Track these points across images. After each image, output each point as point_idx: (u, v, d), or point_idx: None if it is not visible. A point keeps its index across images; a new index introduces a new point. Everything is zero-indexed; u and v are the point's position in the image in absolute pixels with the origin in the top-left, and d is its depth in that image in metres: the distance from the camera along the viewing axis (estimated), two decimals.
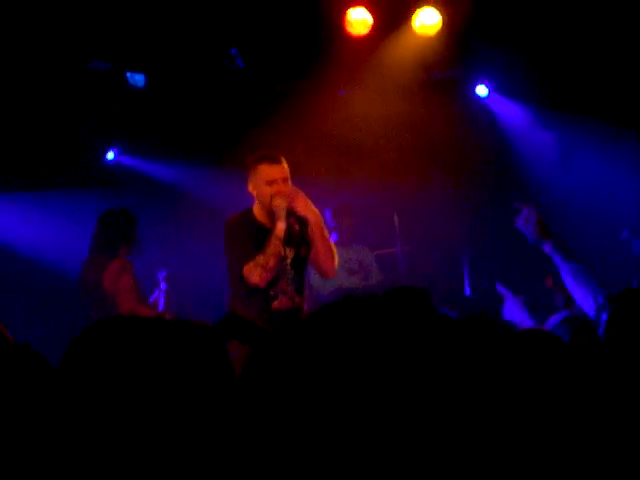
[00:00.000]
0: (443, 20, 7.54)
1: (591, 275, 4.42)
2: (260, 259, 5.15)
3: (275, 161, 5.30)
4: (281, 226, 5.17)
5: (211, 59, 7.83)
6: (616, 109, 8.01)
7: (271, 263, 5.16)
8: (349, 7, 7.50)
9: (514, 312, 4.98)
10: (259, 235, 5.25)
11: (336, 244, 7.12)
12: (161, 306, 6.98)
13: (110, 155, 8.78)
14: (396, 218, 8.02)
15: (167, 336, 1.93)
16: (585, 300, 4.38)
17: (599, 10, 7.34)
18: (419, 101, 8.10)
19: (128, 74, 7.88)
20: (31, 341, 2.45)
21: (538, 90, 8.23)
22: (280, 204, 5.20)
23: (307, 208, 5.34)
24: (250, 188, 5.36)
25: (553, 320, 4.33)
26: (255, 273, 5.16)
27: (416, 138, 8.22)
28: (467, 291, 7.61)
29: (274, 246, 5.17)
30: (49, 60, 7.35)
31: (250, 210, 5.40)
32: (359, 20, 7.54)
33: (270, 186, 5.24)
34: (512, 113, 8.73)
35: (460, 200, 8.54)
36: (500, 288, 4.94)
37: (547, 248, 4.52)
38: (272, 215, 5.23)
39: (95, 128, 8.15)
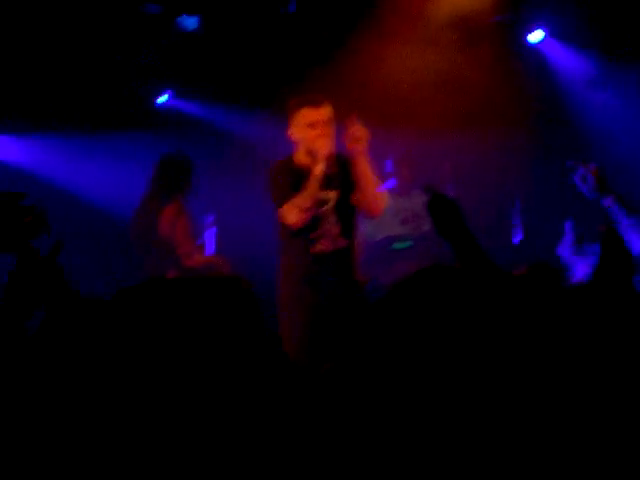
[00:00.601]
0: None
1: None
2: (297, 200, 5.18)
3: (318, 103, 5.27)
4: (320, 167, 5.15)
5: (264, 2, 7.79)
6: None
7: (308, 204, 5.18)
8: None
9: (566, 247, 4.97)
10: (299, 179, 5.24)
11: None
12: (211, 249, 7.03)
13: (162, 98, 8.80)
14: (448, 166, 7.98)
15: (200, 297, 1.96)
16: None
17: None
18: (470, 50, 7.99)
19: (179, 18, 7.87)
20: (82, 284, 2.49)
21: (599, 37, 8.04)
22: (321, 145, 5.19)
23: (355, 146, 5.25)
24: (292, 132, 5.34)
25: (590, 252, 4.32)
26: (292, 213, 5.19)
27: (467, 89, 8.12)
28: (516, 239, 7.56)
29: (311, 187, 5.16)
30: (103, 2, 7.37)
31: (291, 156, 5.39)
32: None
33: (312, 128, 5.22)
34: (569, 61, 8.54)
35: (513, 152, 8.45)
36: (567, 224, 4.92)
37: (606, 202, 4.51)
38: (313, 157, 5.22)
39: (147, 71, 8.17)
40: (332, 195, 5.34)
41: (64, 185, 8.56)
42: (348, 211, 5.42)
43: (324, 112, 5.26)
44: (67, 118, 8.18)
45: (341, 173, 5.36)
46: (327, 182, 5.26)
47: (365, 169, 5.31)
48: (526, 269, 3.53)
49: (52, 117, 8.14)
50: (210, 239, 7.03)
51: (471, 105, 8.10)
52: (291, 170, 5.32)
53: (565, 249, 4.82)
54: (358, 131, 5.19)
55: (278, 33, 8.08)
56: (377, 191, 5.46)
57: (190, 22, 7.95)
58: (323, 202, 5.28)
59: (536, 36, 8.42)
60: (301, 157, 5.34)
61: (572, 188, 4.91)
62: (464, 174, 8.17)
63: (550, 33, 8.37)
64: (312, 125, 5.22)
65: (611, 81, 8.29)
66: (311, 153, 5.23)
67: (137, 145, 8.15)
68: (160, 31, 7.85)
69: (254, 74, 8.40)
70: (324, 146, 5.19)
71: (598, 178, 4.50)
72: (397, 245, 7.49)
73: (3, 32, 7.30)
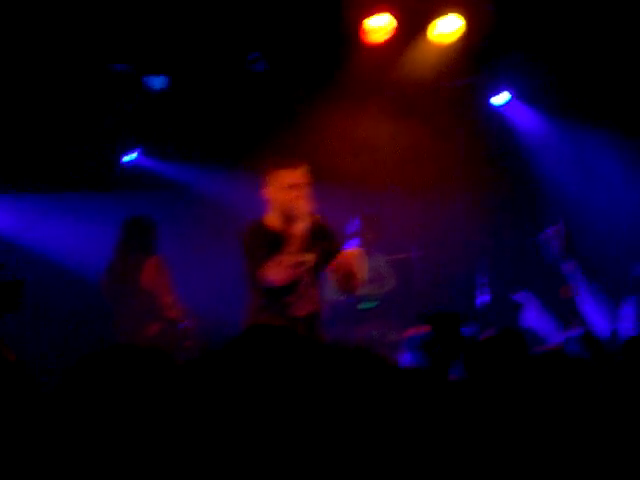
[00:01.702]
0: (462, 28, 7.54)
1: (609, 295, 4.46)
2: (278, 258, 5.17)
3: (296, 165, 5.32)
4: (301, 227, 5.19)
5: (232, 62, 7.84)
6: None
7: (291, 262, 5.18)
8: (368, 15, 7.51)
9: (534, 318, 5.00)
10: (273, 241, 5.24)
11: None
12: None
13: (130, 157, 8.82)
14: (414, 227, 8.06)
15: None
16: (601, 319, 4.42)
17: (623, 17, 7.31)
18: (437, 111, 8.10)
19: (146, 77, 7.92)
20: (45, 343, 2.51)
21: (559, 99, 8.19)
22: (301, 206, 5.21)
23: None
24: (267, 193, 5.34)
25: (569, 335, 4.35)
26: (273, 271, 5.16)
27: (434, 148, 8.21)
28: (479, 301, 7.56)
29: (295, 246, 5.19)
30: (69, 63, 7.39)
31: (261, 219, 5.38)
32: (377, 28, 7.55)
33: (290, 190, 5.24)
34: (532, 122, 8.67)
35: (477, 210, 8.53)
36: (521, 295, 4.96)
37: (568, 266, 4.55)
38: (289, 219, 5.23)
39: (114, 130, 8.19)
40: (310, 257, 5.35)
41: (28, 244, 8.51)
42: (320, 274, 5.45)
43: (302, 174, 5.29)
44: (33, 177, 8.17)
45: (317, 236, 5.37)
46: (305, 244, 5.27)
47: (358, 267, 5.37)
48: (494, 334, 3.57)
49: (16, 176, 8.11)
50: None
51: (438, 168, 8.19)
52: (265, 232, 5.31)
53: (532, 320, 4.87)
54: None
55: (247, 92, 8.14)
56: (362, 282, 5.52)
57: (158, 81, 7.98)
58: (301, 263, 5.29)
59: (501, 98, 8.54)
60: (273, 219, 5.34)
61: (534, 251, 4.98)
62: (430, 235, 8.24)
63: (514, 96, 8.50)
64: (291, 187, 5.24)
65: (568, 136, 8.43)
66: (289, 214, 5.25)
67: (103, 204, 8.17)
68: (128, 90, 7.88)
69: (223, 133, 8.45)
70: (304, 207, 5.22)
71: (565, 239, 4.54)
72: (363, 305, 7.52)
73: None
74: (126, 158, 8.81)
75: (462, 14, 7.51)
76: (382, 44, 7.63)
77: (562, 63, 7.79)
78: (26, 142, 7.91)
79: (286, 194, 5.24)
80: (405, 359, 5.22)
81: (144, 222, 7.07)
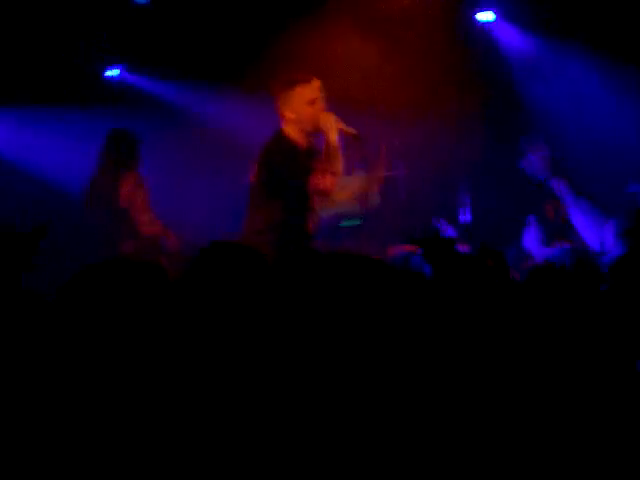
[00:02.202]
0: None
1: (598, 211, 4.53)
2: (327, 166, 5.32)
3: (309, 80, 5.38)
4: (335, 136, 5.33)
5: None
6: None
7: (339, 168, 5.36)
8: None
9: (532, 240, 5.07)
10: (300, 156, 5.36)
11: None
12: None
13: (113, 72, 8.75)
14: (397, 144, 8.03)
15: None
16: (591, 234, 4.50)
17: None
18: (420, 28, 8.06)
19: None
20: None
21: (545, 19, 8.14)
22: (330, 119, 5.34)
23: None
24: (287, 110, 5.36)
25: (557, 249, 4.41)
26: (327, 179, 5.32)
27: (417, 67, 8.18)
28: (462, 219, 7.62)
29: (337, 154, 5.35)
30: None
31: (282, 134, 5.41)
32: None
33: (312, 105, 5.32)
34: (517, 42, 8.62)
35: (463, 130, 8.53)
36: (530, 218, 5.01)
37: (556, 184, 4.61)
38: (310, 134, 5.39)
39: (98, 45, 8.12)
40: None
41: (11, 157, 8.49)
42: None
43: (317, 87, 5.38)
44: (17, 90, 8.11)
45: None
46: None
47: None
48: (475, 251, 3.62)
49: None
50: None
51: (422, 87, 8.17)
52: (292, 147, 5.37)
53: (531, 242, 4.92)
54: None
55: (234, 8, 8.07)
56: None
57: None
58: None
59: (486, 16, 8.48)
60: (295, 134, 5.39)
61: (520, 170, 5.01)
62: (414, 153, 8.24)
63: (499, 14, 8.45)
64: (311, 102, 5.33)
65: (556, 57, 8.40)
66: (314, 129, 5.37)
67: (86, 118, 8.11)
68: (112, 3, 7.81)
69: (208, 49, 8.38)
70: (330, 118, 5.34)
71: (548, 159, 4.59)
72: (346, 223, 7.54)
73: None
74: (109, 72, 8.76)
75: None
76: None
77: None
78: (8, 54, 7.84)
79: (309, 109, 5.33)
80: None
81: (127, 136, 6.96)
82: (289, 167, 5.32)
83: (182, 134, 8.50)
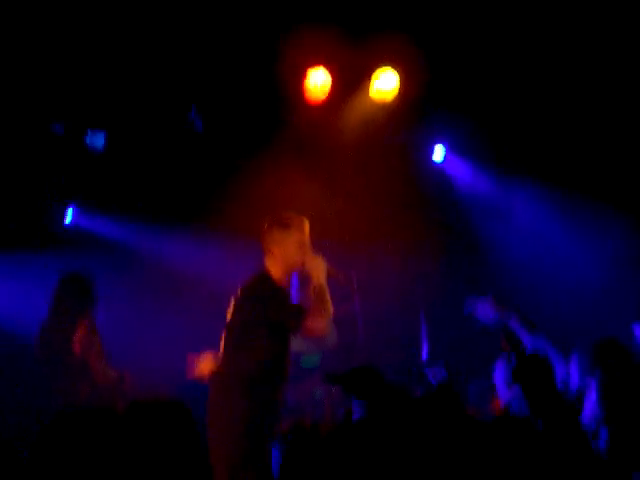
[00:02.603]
0: (400, 85, 7.68)
1: (551, 344, 4.56)
2: (319, 307, 5.20)
3: (303, 222, 5.38)
4: (324, 279, 5.28)
5: (171, 122, 7.87)
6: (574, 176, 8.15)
7: (330, 310, 5.24)
8: (309, 72, 7.61)
9: (500, 378, 5.06)
10: (289, 296, 5.32)
11: None
12: None
13: (69, 217, 8.77)
14: (354, 278, 8.06)
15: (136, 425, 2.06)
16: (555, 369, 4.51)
17: (547, 75, 7.51)
18: (376, 166, 8.20)
19: (87, 137, 7.91)
20: None
21: (491, 152, 8.35)
22: (319, 262, 5.32)
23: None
24: (275, 249, 5.31)
25: (516, 393, 4.39)
26: (322, 323, 5.18)
27: (375, 202, 8.29)
28: (424, 355, 7.61)
29: (326, 295, 5.26)
30: (9, 123, 7.38)
31: (266, 274, 5.33)
32: (318, 85, 7.66)
33: (302, 247, 5.31)
34: (466, 175, 8.80)
35: (418, 263, 8.59)
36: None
37: (510, 322, 4.67)
38: (290, 275, 5.38)
39: (54, 191, 8.16)
40: None
41: None
42: None
43: (307, 229, 5.37)
44: None
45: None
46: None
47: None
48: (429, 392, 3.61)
49: None
50: None
51: (380, 216, 8.26)
52: (279, 287, 5.29)
53: (499, 379, 4.92)
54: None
55: (187, 151, 8.17)
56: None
57: (97, 141, 7.98)
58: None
59: (439, 153, 8.66)
60: (277, 274, 5.31)
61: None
62: (370, 286, 8.27)
63: (450, 152, 8.63)
64: (301, 245, 5.31)
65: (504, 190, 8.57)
66: (298, 270, 5.37)
67: (43, 264, 8.09)
68: (67, 150, 7.87)
69: (164, 192, 8.45)
70: (319, 261, 5.33)
71: (497, 306, 4.68)
72: (306, 363, 7.50)
73: None
74: (68, 218, 8.78)
75: (397, 70, 7.65)
76: (322, 102, 7.73)
77: (491, 118, 7.96)
78: None
79: (300, 251, 5.31)
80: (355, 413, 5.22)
81: (80, 280, 6.79)
82: (282, 307, 5.24)
83: (139, 276, 8.48)
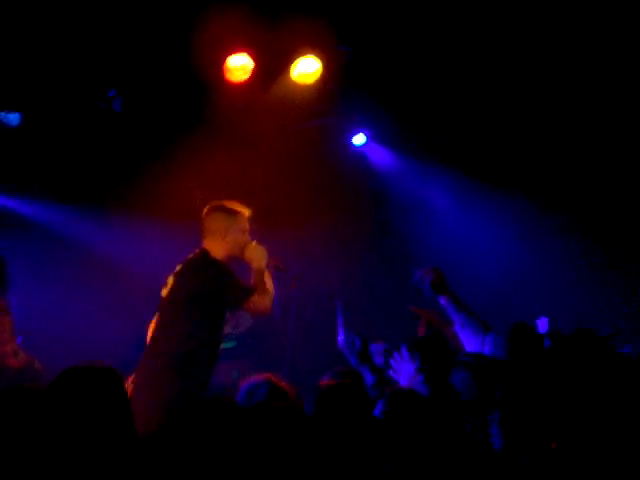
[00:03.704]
0: (320, 69, 7.69)
1: (479, 324, 4.76)
2: (268, 289, 5.51)
3: (247, 212, 5.60)
4: (264, 265, 5.53)
5: (88, 100, 7.77)
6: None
7: (272, 289, 5.55)
8: (229, 54, 7.57)
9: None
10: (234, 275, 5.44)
11: None
12: None
13: None
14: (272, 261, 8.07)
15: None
16: (472, 346, 4.73)
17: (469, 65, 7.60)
18: (297, 148, 8.20)
19: (1, 114, 7.77)
20: None
21: (408, 139, 8.43)
22: (260, 251, 5.54)
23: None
24: (218, 234, 5.46)
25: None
26: (267, 301, 5.49)
27: (294, 185, 8.31)
28: (340, 341, 7.61)
29: (269, 281, 5.55)
30: None
31: (208, 253, 5.45)
32: (238, 67, 7.62)
33: (244, 234, 5.53)
34: (388, 162, 8.87)
35: (335, 246, 8.64)
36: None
37: (442, 300, 4.89)
38: (234, 258, 5.51)
39: None
40: None
41: None
42: None
43: (249, 219, 5.59)
44: None
45: None
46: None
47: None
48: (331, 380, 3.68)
49: None
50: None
51: (298, 199, 8.28)
52: (224, 265, 5.43)
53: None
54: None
55: (105, 130, 8.08)
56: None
57: (13, 118, 7.85)
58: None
59: (359, 139, 8.71)
60: (220, 258, 5.44)
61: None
62: (290, 272, 8.28)
63: (370, 137, 8.68)
64: (244, 232, 5.54)
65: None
66: (242, 254, 5.52)
67: None
68: None
69: (80, 171, 8.35)
70: (260, 250, 5.55)
71: (436, 279, 4.87)
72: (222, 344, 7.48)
73: None
74: None
75: (318, 56, 7.66)
76: (243, 84, 7.70)
77: (411, 106, 8.04)
78: None
79: (242, 238, 5.52)
80: None
81: None
82: (236, 282, 5.40)
83: (54, 257, 8.38)
